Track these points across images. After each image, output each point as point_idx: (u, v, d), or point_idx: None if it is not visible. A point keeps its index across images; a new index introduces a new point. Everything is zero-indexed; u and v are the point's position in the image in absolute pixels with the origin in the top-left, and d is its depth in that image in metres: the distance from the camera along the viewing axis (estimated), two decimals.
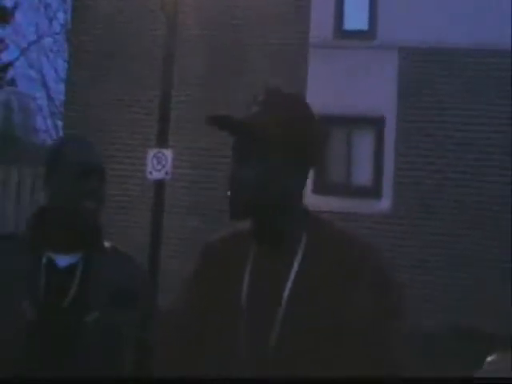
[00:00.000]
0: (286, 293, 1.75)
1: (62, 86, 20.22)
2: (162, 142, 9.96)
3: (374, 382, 1.73)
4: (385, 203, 11.60)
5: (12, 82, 17.75)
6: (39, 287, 2.12)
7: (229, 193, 1.80)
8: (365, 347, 1.73)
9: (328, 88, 11.42)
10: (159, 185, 9.96)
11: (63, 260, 2.16)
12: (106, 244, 2.31)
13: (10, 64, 17.44)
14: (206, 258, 1.92)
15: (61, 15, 24.77)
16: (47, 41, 25.73)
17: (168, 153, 9.83)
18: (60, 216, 2.17)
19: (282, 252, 1.80)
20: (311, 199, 8.62)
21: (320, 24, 11.77)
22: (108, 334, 2.14)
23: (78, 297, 2.12)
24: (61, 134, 17.46)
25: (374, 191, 11.65)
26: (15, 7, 16.65)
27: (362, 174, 11.70)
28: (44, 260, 2.15)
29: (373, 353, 1.73)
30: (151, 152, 9.88)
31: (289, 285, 1.76)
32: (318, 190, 11.21)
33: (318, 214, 1.86)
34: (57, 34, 25.23)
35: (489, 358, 4.50)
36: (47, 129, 26.39)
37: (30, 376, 1.98)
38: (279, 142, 1.76)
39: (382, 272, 1.78)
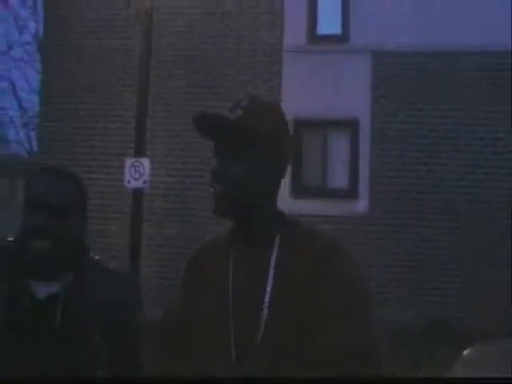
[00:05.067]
0: (268, 291, 1.84)
1: (34, 97, 20.13)
2: (140, 151, 9.99)
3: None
4: (361, 204, 11.72)
5: None
6: (22, 317, 2.07)
7: (213, 189, 1.89)
8: (338, 339, 1.78)
9: (302, 92, 11.51)
10: (137, 193, 9.99)
11: (43, 289, 2.12)
12: (92, 264, 2.24)
13: None
14: (190, 268, 2.00)
15: (32, 25, 24.55)
16: (18, 51, 25.49)
17: (145, 161, 9.86)
18: (21, 248, 2.11)
19: (259, 251, 1.89)
20: (289, 203, 8.71)
21: (294, 29, 11.86)
22: (98, 356, 2.13)
23: (62, 327, 2.08)
24: (35, 145, 17.39)
25: (350, 193, 11.76)
26: None
27: (338, 177, 11.80)
28: (26, 289, 2.11)
29: (346, 343, 1.78)
30: (129, 161, 9.91)
31: (269, 284, 1.85)
32: (295, 193, 11.30)
33: (291, 216, 1.97)
34: (28, 43, 25.08)
35: (464, 352, 4.60)
36: (19, 140, 26.21)
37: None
38: (262, 144, 1.89)
39: (351, 266, 1.86)
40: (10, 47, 25.27)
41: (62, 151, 12.31)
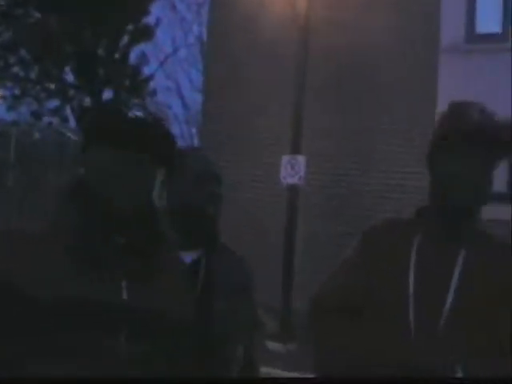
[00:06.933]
0: (454, 281, 1.87)
1: (196, 95, 21.03)
2: (296, 148, 10.27)
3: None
4: None
5: (152, 93, 18.63)
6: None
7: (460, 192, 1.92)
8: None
9: (460, 94, 11.18)
10: (293, 190, 10.27)
11: (188, 257, 2.33)
12: (221, 243, 2.49)
13: (150, 77, 18.35)
14: (367, 246, 2.02)
15: (195, 28, 25.69)
16: (182, 52, 26.80)
17: (301, 159, 10.12)
18: (182, 217, 2.33)
19: (450, 242, 1.93)
20: None
21: (451, 28, 11.64)
22: (232, 323, 2.29)
23: (205, 289, 2.29)
24: (196, 140, 18.19)
25: None
26: (157, 24, 17.52)
27: None
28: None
29: None
30: (285, 158, 10.20)
31: (456, 273, 1.88)
32: None
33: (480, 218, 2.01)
34: (191, 45, 26.25)
35: None
36: (183, 135, 27.47)
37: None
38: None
39: None
40: (176, 50, 26.58)
41: (221, 147, 12.77)
